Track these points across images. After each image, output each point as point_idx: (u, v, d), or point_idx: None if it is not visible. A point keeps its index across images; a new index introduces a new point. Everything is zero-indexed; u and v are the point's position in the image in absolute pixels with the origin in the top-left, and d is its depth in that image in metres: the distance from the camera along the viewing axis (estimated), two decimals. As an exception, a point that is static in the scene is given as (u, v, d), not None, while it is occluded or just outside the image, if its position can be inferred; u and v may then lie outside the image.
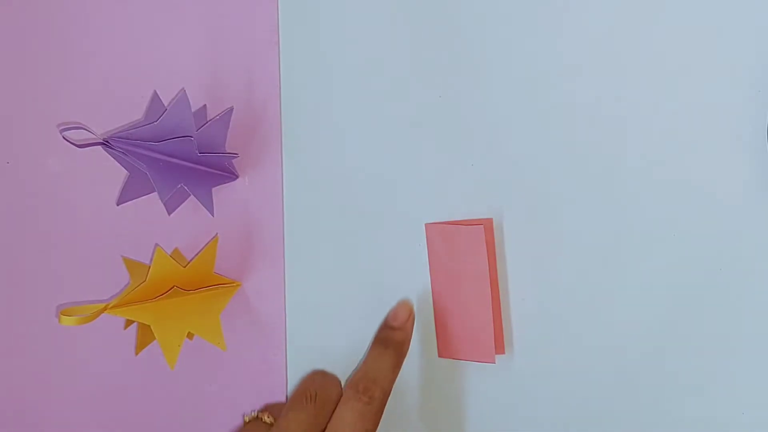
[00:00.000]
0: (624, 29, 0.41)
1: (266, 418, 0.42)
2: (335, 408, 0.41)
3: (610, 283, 0.42)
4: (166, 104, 0.43)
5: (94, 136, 0.39)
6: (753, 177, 0.40)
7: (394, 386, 0.41)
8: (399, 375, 0.42)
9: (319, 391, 0.41)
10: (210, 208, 0.44)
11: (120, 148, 0.39)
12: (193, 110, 0.41)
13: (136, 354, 0.45)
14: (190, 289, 0.43)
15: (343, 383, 0.43)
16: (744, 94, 0.40)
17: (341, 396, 0.41)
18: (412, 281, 0.44)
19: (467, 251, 0.43)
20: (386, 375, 0.40)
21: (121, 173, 0.45)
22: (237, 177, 0.46)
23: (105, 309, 0.39)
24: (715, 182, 0.40)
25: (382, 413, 0.40)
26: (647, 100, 0.41)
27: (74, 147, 0.41)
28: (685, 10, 0.41)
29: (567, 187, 0.42)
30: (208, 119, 0.46)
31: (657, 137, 0.41)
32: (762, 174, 0.40)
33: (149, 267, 0.41)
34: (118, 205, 0.44)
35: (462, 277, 0.43)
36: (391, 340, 0.42)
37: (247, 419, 0.43)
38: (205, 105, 0.46)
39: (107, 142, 0.39)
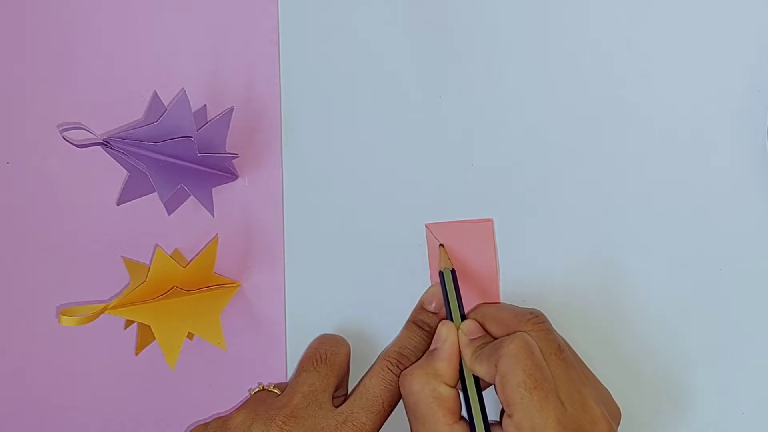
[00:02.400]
0: (624, 30, 0.42)
1: (273, 389, 0.43)
2: (347, 369, 0.43)
3: (610, 282, 0.42)
4: (166, 104, 0.43)
5: (94, 136, 0.39)
6: (753, 177, 0.40)
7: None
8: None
9: (329, 352, 0.42)
10: (210, 208, 0.44)
11: (120, 148, 0.39)
12: (193, 110, 0.41)
13: (136, 354, 0.45)
14: (190, 289, 0.43)
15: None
16: (744, 94, 0.40)
17: (349, 356, 0.43)
18: (412, 281, 0.44)
19: (475, 247, 0.43)
20: (418, 354, 0.41)
21: (121, 173, 0.45)
22: (237, 177, 0.46)
23: (105, 309, 0.39)
24: (715, 182, 0.40)
25: None
26: (647, 101, 0.41)
27: (74, 147, 0.41)
28: (685, 11, 0.41)
29: (567, 187, 0.42)
30: (208, 119, 0.46)
31: (657, 137, 0.41)
32: (762, 174, 0.40)
33: (149, 267, 0.41)
34: (118, 205, 0.44)
35: (468, 274, 0.43)
36: (424, 323, 0.42)
37: (252, 392, 0.43)
38: (205, 105, 0.46)
39: (107, 142, 0.39)
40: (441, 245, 0.42)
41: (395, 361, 0.40)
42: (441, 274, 0.41)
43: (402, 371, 0.40)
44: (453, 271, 0.41)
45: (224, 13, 0.47)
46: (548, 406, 0.34)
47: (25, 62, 0.50)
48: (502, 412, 0.36)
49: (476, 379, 0.38)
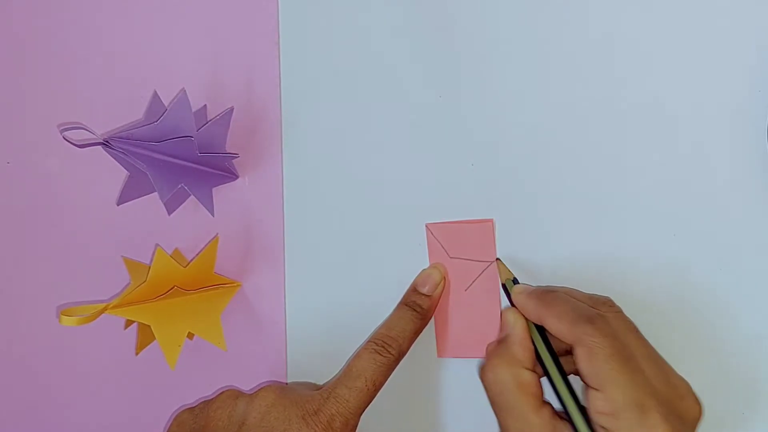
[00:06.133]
0: (624, 30, 0.41)
1: None
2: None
3: (610, 283, 0.42)
4: (166, 104, 0.43)
5: (94, 136, 0.39)
6: (753, 177, 0.40)
7: (393, 387, 0.41)
8: (398, 376, 0.42)
9: None
10: (210, 208, 0.44)
11: (120, 148, 0.39)
12: (193, 110, 0.41)
13: (136, 354, 0.45)
14: (190, 289, 0.43)
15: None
16: (744, 94, 0.40)
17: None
18: (411, 281, 0.44)
19: (475, 247, 0.43)
20: (406, 336, 0.41)
21: (121, 173, 0.45)
22: (237, 177, 0.46)
23: (105, 309, 0.39)
24: (715, 182, 0.40)
25: (393, 370, 0.40)
26: (647, 101, 0.41)
27: (74, 147, 0.41)
28: (685, 11, 0.41)
29: (567, 187, 0.42)
30: (208, 119, 0.46)
31: (657, 137, 0.41)
32: (762, 174, 0.40)
33: (149, 267, 0.41)
34: (118, 205, 0.44)
35: (468, 274, 0.43)
36: (416, 305, 0.42)
37: None
38: (205, 105, 0.46)
39: (107, 142, 0.39)
40: (498, 259, 0.43)
41: (381, 342, 0.40)
42: (504, 285, 0.41)
43: (390, 355, 0.40)
44: (515, 280, 0.41)
45: (224, 14, 0.47)
46: (639, 380, 0.34)
47: (25, 62, 0.50)
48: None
49: (556, 358, 0.38)
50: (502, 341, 0.39)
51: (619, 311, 0.38)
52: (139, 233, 0.48)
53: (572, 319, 0.36)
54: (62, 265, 0.50)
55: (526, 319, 0.39)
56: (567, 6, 0.42)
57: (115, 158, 0.40)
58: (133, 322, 0.44)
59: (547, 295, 0.38)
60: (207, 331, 0.43)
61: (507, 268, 0.42)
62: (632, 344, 0.36)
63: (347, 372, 0.40)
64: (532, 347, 0.39)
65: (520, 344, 0.38)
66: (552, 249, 0.42)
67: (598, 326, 0.35)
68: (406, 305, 0.42)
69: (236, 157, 0.45)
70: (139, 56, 0.49)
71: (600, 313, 0.36)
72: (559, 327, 0.37)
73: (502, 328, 0.40)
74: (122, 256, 0.47)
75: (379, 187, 0.45)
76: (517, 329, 0.39)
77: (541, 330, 0.39)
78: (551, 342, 0.39)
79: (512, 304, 0.40)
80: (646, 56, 0.41)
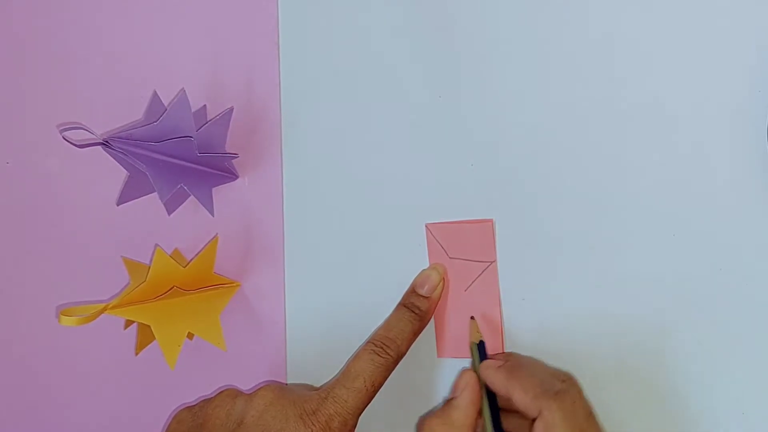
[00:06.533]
0: (624, 30, 0.41)
1: None
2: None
3: (610, 282, 0.42)
4: (166, 104, 0.43)
5: (94, 136, 0.39)
6: (753, 177, 0.40)
7: (392, 387, 0.41)
8: (398, 376, 0.42)
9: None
10: (210, 208, 0.44)
11: (120, 148, 0.39)
12: (193, 110, 0.41)
13: (136, 354, 0.45)
14: (190, 289, 0.43)
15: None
16: (744, 94, 0.40)
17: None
18: (411, 281, 0.44)
19: (475, 247, 0.43)
20: (404, 337, 0.41)
21: (121, 173, 0.45)
22: (237, 177, 0.46)
23: (105, 309, 0.39)
24: (715, 182, 0.40)
25: (391, 371, 0.40)
26: (647, 101, 0.41)
27: (74, 147, 0.41)
28: (685, 11, 0.41)
29: (567, 187, 0.42)
30: (208, 119, 0.46)
31: (657, 137, 0.41)
32: (762, 174, 0.40)
33: (149, 267, 0.41)
34: (118, 205, 0.44)
35: (467, 274, 0.43)
36: (415, 306, 0.42)
37: None
38: (205, 105, 0.46)
39: (107, 142, 0.39)
40: (472, 317, 0.43)
41: (380, 342, 0.40)
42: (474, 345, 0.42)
43: (388, 356, 0.40)
44: (481, 343, 0.41)
45: (224, 14, 0.47)
46: None
47: (25, 62, 0.50)
48: None
49: (498, 427, 0.38)
50: (448, 402, 0.39)
51: (579, 390, 0.38)
52: (138, 233, 0.48)
53: (537, 393, 0.37)
54: (62, 265, 0.50)
55: (487, 389, 0.39)
56: (567, 6, 0.42)
57: (114, 158, 0.40)
58: (132, 322, 0.44)
59: (516, 369, 0.39)
60: (206, 331, 0.43)
61: (477, 328, 0.42)
62: (585, 428, 0.36)
63: (346, 372, 0.40)
64: (475, 416, 0.39)
65: (464, 411, 0.38)
66: (551, 249, 0.42)
67: (560, 403, 0.36)
68: (404, 306, 0.42)
69: (236, 157, 0.45)
70: (139, 56, 0.49)
71: (564, 388, 0.37)
72: (524, 399, 0.37)
73: (452, 389, 0.40)
74: (122, 256, 0.47)
75: (379, 187, 0.45)
76: (464, 396, 0.39)
77: (494, 404, 0.39)
78: (508, 415, 0.39)
79: (473, 367, 0.41)
80: (646, 56, 0.41)
